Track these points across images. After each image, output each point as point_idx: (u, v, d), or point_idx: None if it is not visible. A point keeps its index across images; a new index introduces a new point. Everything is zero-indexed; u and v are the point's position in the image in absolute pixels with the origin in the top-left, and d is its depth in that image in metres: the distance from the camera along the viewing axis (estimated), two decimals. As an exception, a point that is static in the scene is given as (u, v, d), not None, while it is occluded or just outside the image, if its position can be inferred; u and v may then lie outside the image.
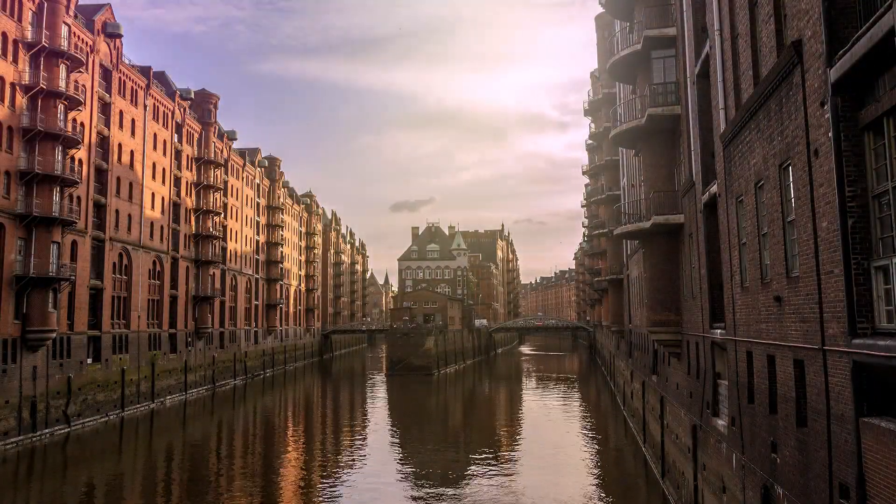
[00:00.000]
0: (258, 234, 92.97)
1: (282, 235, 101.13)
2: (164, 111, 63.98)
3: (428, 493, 29.84)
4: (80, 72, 47.61)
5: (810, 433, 11.08)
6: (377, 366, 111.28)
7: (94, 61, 50.79)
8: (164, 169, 63.22)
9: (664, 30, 25.14)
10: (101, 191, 52.01)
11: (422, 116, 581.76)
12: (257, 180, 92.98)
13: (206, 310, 70.36)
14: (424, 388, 74.62)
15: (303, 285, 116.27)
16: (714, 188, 18.19)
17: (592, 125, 69.57)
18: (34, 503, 30.41)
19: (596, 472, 34.90)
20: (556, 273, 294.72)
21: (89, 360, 48.95)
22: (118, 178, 54.44)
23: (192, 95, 71.61)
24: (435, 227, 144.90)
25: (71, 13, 46.35)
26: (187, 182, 68.64)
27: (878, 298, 8.91)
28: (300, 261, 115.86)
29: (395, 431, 46.91)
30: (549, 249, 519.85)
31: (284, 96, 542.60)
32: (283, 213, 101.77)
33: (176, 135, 66.97)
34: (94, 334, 49.95)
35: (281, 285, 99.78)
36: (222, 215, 77.37)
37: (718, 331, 18.21)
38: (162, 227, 62.34)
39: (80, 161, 48.54)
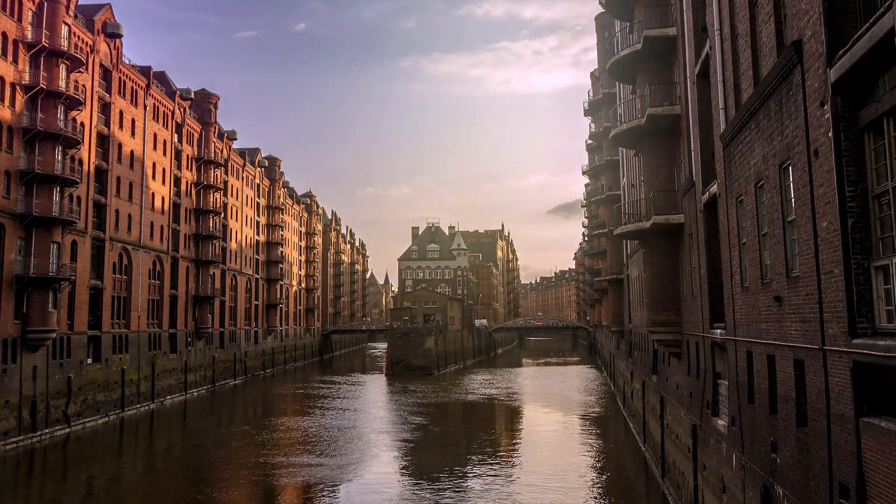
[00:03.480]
0: (258, 234, 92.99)
1: (282, 235, 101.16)
2: (164, 111, 63.98)
3: (428, 493, 29.83)
4: (80, 72, 47.61)
5: (810, 433, 11.08)
6: (377, 366, 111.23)
7: (94, 61, 50.79)
8: (164, 169, 63.23)
9: (664, 30, 25.14)
10: (101, 191, 52.01)
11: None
12: (257, 180, 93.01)
13: (206, 310, 70.38)
14: (424, 388, 74.59)
15: (303, 285, 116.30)
16: (714, 188, 18.19)
17: (592, 125, 69.62)
18: None
19: (596, 472, 34.89)
20: (556, 273, 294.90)
21: (89, 360, 48.95)
22: (118, 178, 54.44)
23: (192, 95, 71.64)
24: (435, 227, 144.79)
25: (71, 13, 46.34)
26: (187, 182, 68.65)
27: (878, 298, 8.90)
28: (300, 261, 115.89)
29: (394, 430, 46.87)
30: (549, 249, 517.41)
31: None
32: (283, 213, 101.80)
33: (176, 135, 66.98)
34: (94, 334, 49.95)
35: (281, 285, 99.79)
36: (222, 215, 77.41)
37: (718, 331, 18.20)
38: (162, 227, 62.34)
39: (81, 161, 48.54)
